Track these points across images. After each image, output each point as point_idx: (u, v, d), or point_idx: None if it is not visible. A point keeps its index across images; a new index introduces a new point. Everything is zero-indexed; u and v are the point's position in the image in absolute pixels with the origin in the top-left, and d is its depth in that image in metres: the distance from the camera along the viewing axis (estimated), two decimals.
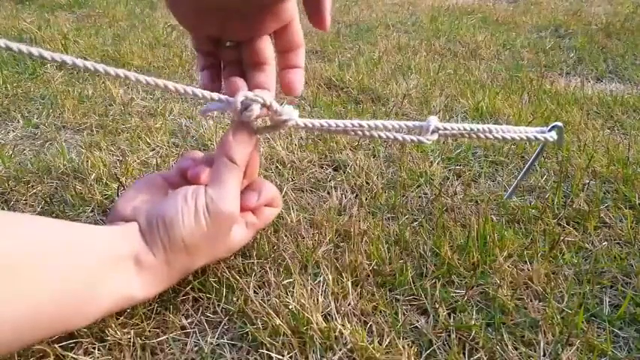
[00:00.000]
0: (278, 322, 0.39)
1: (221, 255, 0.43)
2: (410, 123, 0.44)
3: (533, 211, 0.56)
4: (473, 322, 0.41)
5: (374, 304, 0.42)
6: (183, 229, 0.37)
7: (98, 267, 0.35)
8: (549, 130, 0.49)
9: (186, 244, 0.38)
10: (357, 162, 0.66)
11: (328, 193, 0.59)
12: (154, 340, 0.38)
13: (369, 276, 0.45)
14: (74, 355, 0.36)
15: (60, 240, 0.35)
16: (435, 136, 0.44)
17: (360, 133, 0.44)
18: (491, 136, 0.47)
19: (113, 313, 0.38)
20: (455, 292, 0.44)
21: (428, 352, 0.38)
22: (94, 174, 0.61)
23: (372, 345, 0.37)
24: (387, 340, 0.38)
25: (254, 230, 0.45)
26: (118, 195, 0.56)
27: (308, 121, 0.42)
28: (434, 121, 0.44)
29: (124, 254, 0.36)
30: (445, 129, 0.45)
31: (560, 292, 0.44)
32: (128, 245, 0.37)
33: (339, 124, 0.43)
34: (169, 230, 0.37)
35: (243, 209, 0.43)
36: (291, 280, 0.44)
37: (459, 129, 0.45)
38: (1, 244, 0.31)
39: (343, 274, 0.45)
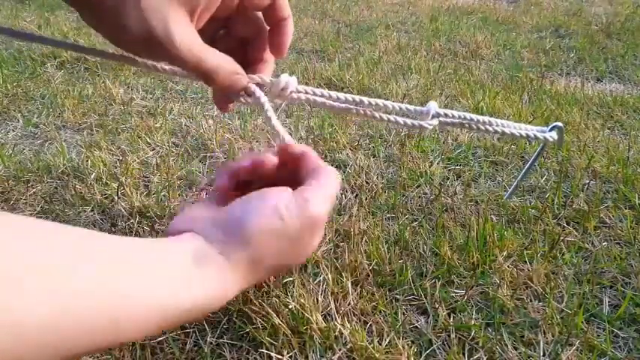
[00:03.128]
0: (278, 321, 0.39)
1: (297, 260, 0.38)
2: (411, 107, 0.44)
3: (533, 211, 0.56)
4: (472, 322, 0.41)
5: (374, 303, 0.42)
6: (258, 222, 0.33)
7: (141, 275, 0.30)
8: (549, 130, 0.49)
9: (259, 240, 0.33)
10: (357, 162, 0.66)
11: None
12: (154, 340, 0.38)
13: (368, 276, 0.45)
14: None
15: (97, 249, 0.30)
16: (436, 122, 0.44)
17: (361, 112, 0.43)
18: (491, 129, 0.47)
19: (182, 323, 0.35)
20: (455, 292, 0.44)
21: (428, 351, 0.38)
22: (93, 173, 0.61)
23: (371, 345, 0.37)
24: (387, 340, 0.38)
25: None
26: (117, 195, 0.56)
27: (309, 88, 0.42)
28: (434, 106, 0.44)
29: (177, 255, 0.32)
30: (446, 115, 0.44)
31: (560, 292, 0.44)
32: (183, 245, 0.33)
33: (340, 97, 0.42)
34: (240, 224, 0.33)
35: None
36: (290, 279, 0.44)
37: (459, 117, 0.45)
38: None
39: (343, 274, 0.45)
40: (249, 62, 0.41)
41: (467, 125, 0.46)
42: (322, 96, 0.42)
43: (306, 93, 0.42)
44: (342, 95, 0.42)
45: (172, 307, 0.31)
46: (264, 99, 0.40)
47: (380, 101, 0.43)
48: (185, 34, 0.34)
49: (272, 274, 0.39)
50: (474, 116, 0.46)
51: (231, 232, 0.33)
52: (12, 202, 0.55)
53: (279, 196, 0.34)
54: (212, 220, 0.34)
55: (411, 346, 0.38)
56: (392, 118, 0.44)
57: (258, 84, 0.40)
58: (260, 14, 0.40)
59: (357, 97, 0.42)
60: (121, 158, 0.66)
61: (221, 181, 0.39)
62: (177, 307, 0.31)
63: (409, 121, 0.44)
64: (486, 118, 0.46)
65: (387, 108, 0.43)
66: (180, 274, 0.31)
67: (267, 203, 0.34)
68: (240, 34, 0.41)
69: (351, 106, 0.43)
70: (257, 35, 0.41)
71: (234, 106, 0.43)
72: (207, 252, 0.32)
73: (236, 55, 0.38)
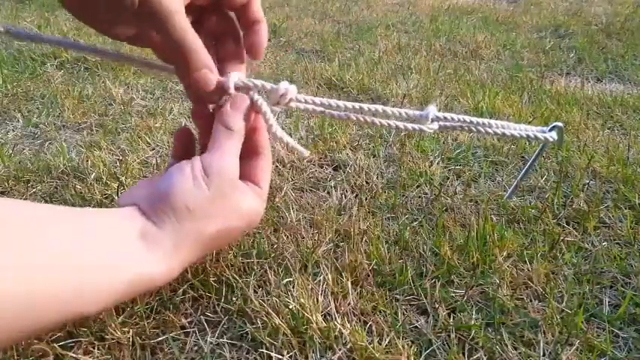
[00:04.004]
0: (278, 321, 0.39)
1: (233, 222, 0.40)
2: (410, 111, 0.44)
3: (533, 211, 0.56)
4: (472, 322, 0.41)
5: (373, 303, 0.42)
6: (184, 196, 0.36)
7: (99, 247, 0.34)
8: (549, 130, 0.49)
9: (191, 210, 0.36)
10: (357, 162, 0.66)
11: (328, 192, 0.59)
12: (154, 340, 0.38)
13: (368, 276, 0.45)
14: (74, 355, 0.36)
15: (58, 223, 0.33)
16: (436, 126, 0.44)
17: (361, 119, 0.43)
18: (491, 131, 0.47)
19: (136, 295, 0.37)
20: (455, 292, 0.44)
21: (427, 351, 0.38)
22: (93, 173, 0.61)
23: (371, 345, 0.37)
24: (387, 340, 0.38)
25: (263, 197, 0.43)
26: (117, 195, 0.56)
27: (309, 97, 0.42)
28: (433, 109, 0.44)
29: (125, 230, 0.35)
30: (445, 118, 0.45)
31: (560, 292, 0.44)
32: (128, 222, 0.35)
33: (340, 104, 0.42)
34: (171, 200, 0.36)
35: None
36: (290, 279, 0.44)
37: (459, 119, 0.45)
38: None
39: (343, 274, 0.45)
40: (218, 60, 0.42)
41: (466, 128, 0.46)
42: (322, 105, 0.42)
43: (306, 102, 0.42)
44: (341, 103, 0.43)
45: (128, 282, 0.34)
46: (265, 106, 0.41)
47: (379, 107, 0.43)
48: (178, 5, 0.36)
49: (223, 243, 0.41)
50: (474, 119, 0.46)
51: (161, 207, 0.36)
52: None
53: (191, 164, 0.38)
54: (147, 197, 0.37)
55: (410, 346, 0.38)
56: (392, 123, 0.44)
57: (250, 88, 0.40)
58: (233, 15, 0.42)
59: (357, 105, 0.43)
60: (120, 158, 0.66)
61: (173, 150, 0.44)
62: (134, 281, 0.34)
63: (409, 126, 0.44)
64: (486, 120, 0.46)
65: (387, 113, 0.43)
66: (133, 251, 0.35)
67: (183, 173, 0.37)
68: (213, 30, 0.42)
69: (351, 114, 0.43)
70: (229, 33, 0.42)
71: (209, 113, 0.43)
72: (150, 230, 0.35)
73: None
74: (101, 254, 0.33)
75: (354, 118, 0.43)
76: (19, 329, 0.30)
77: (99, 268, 0.33)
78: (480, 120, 0.46)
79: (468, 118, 0.46)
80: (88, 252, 0.33)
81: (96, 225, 0.35)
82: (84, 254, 0.33)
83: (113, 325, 0.38)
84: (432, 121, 0.44)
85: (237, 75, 0.40)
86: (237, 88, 0.40)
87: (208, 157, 0.38)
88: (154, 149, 0.68)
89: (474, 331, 0.40)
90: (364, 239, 0.50)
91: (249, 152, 0.43)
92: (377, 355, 0.37)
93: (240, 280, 0.43)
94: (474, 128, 0.46)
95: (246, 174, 0.42)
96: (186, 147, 0.44)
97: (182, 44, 0.37)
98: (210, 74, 0.39)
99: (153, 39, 0.38)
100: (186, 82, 0.39)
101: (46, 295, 0.30)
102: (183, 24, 0.37)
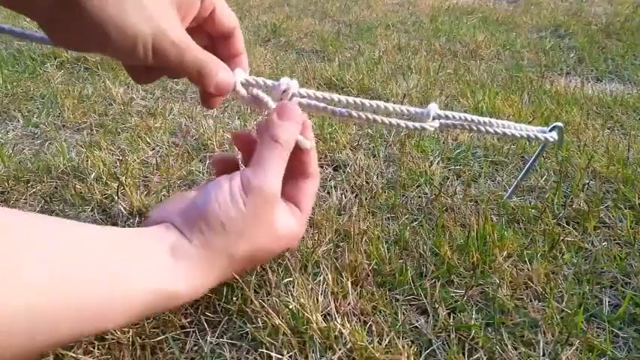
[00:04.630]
0: (278, 321, 0.39)
1: (266, 243, 0.39)
2: (412, 109, 0.44)
3: (533, 211, 0.56)
4: (472, 322, 0.41)
5: (373, 303, 0.42)
6: (220, 212, 0.35)
7: (125, 261, 0.33)
8: (549, 130, 0.49)
9: (226, 227, 0.35)
10: (357, 162, 0.66)
11: (328, 192, 0.59)
12: (154, 340, 0.38)
13: (368, 276, 0.45)
14: (74, 355, 0.36)
15: (74, 238, 0.32)
16: (437, 124, 0.44)
17: (363, 117, 0.43)
18: (491, 130, 0.47)
19: (158, 312, 0.36)
20: (454, 292, 0.44)
21: (427, 351, 0.38)
22: (93, 173, 0.61)
23: (371, 345, 0.37)
24: (387, 340, 0.38)
25: (303, 219, 0.42)
26: (117, 195, 0.56)
27: (311, 92, 0.42)
28: (434, 107, 0.44)
29: (153, 246, 0.34)
30: (446, 116, 0.45)
31: (560, 292, 0.44)
32: (158, 237, 0.35)
33: (342, 99, 0.42)
34: (206, 215, 0.35)
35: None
36: (290, 279, 0.44)
37: (460, 118, 0.45)
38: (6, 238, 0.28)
39: (343, 274, 0.45)
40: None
41: (467, 127, 0.46)
42: (324, 99, 0.42)
43: (308, 97, 0.42)
44: (343, 98, 0.42)
45: (152, 297, 0.33)
46: (271, 103, 0.41)
47: (381, 103, 0.43)
48: (183, 35, 0.35)
49: (254, 264, 0.40)
50: (475, 117, 0.46)
51: (195, 222, 0.35)
52: (12, 202, 0.55)
53: (230, 179, 0.37)
54: (182, 212, 0.36)
55: (410, 346, 0.38)
56: (393, 121, 0.44)
57: (253, 85, 0.40)
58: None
59: (359, 100, 0.42)
60: (120, 158, 0.66)
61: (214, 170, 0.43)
62: (157, 296, 0.33)
63: (410, 124, 0.44)
64: (487, 119, 0.47)
65: (388, 110, 0.43)
66: (159, 266, 0.34)
67: (221, 188, 0.36)
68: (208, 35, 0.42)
69: (352, 112, 0.43)
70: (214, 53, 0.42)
71: (220, 100, 0.43)
72: (182, 245, 0.34)
73: None
74: (125, 268, 0.32)
75: (356, 116, 0.43)
76: (37, 343, 0.29)
77: (121, 282, 0.32)
78: (481, 119, 0.46)
79: (469, 116, 0.46)
80: (112, 265, 0.32)
81: (123, 238, 0.34)
82: (107, 267, 0.32)
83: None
84: (433, 119, 0.44)
85: (241, 73, 0.40)
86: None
87: (249, 172, 0.37)
88: (153, 149, 0.68)
89: (473, 331, 0.40)
90: (364, 239, 0.50)
91: (296, 173, 0.42)
92: (377, 355, 0.37)
93: (240, 280, 0.43)
94: (474, 127, 0.46)
95: (289, 194, 0.41)
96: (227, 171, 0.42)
97: (196, 65, 0.36)
98: (227, 77, 0.39)
99: (168, 72, 0.38)
100: (208, 89, 0.38)
101: (65, 307, 0.29)
102: (193, 51, 0.36)
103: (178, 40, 0.34)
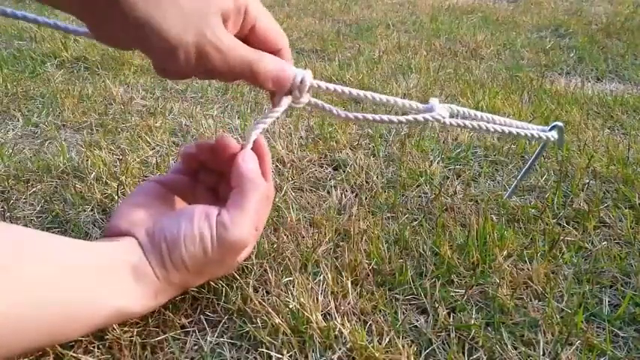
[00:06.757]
0: (278, 321, 0.39)
1: (224, 273, 0.42)
2: (421, 105, 0.45)
3: (533, 210, 0.56)
4: (472, 322, 0.41)
5: (373, 303, 0.42)
6: (186, 253, 0.36)
7: (94, 278, 0.35)
8: (550, 130, 0.50)
9: (188, 267, 0.37)
10: (357, 161, 0.66)
11: (328, 192, 0.59)
12: (154, 339, 0.38)
13: (368, 275, 0.45)
14: (74, 354, 0.36)
15: (56, 255, 0.34)
16: (446, 112, 0.45)
17: (369, 118, 0.44)
18: (492, 128, 0.47)
19: (107, 326, 0.37)
20: (454, 292, 0.44)
21: (427, 351, 0.38)
22: (93, 173, 0.61)
23: (371, 344, 0.37)
24: (387, 340, 0.38)
25: (255, 241, 0.44)
26: (117, 194, 0.56)
27: (322, 83, 0.42)
28: (436, 102, 0.45)
29: (118, 266, 0.36)
30: (451, 109, 0.45)
31: (560, 291, 0.44)
32: (122, 256, 0.36)
33: (352, 92, 0.43)
34: (171, 250, 0.36)
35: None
36: (290, 279, 0.44)
37: (463, 112, 0.46)
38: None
39: (343, 274, 0.45)
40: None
41: (469, 126, 0.46)
42: (335, 91, 0.43)
43: (327, 88, 0.42)
44: (354, 91, 0.43)
45: (112, 313, 0.36)
46: (306, 98, 0.41)
47: (391, 98, 0.44)
48: (227, 38, 0.35)
49: (199, 283, 0.42)
50: (478, 113, 0.47)
51: (159, 251, 0.37)
52: (12, 202, 0.55)
53: (205, 217, 0.37)
54: (148, 231, 0.37)
55: (410, 346, 0.38)
56: (402, 119, 0.45)
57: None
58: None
59: (369, 94, 0.44)
60: (120, 157, 0.66)
61: (176, 166, 0.45)
62: (115, 313, 0.36)
63: (420, 117, 0.44)
64: (489, 115, 0.47)
65: (397, 104, 0.44)
66: (121, 288, 0.36)
67: (192, 225, 0.36)
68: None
69: (359, 115, 0.44)
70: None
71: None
72: (145, 270, 0.36)
73: None
74: (88, 287, 0.34)
75: (362, 118, 0.44)
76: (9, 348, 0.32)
77: (84, 303, 0.34)
78: (485, 115, 0.47)
79: (472, 111, 0.46)
80: (77, 284, 0.34)
81: (89, 255, 0.36)
82: (72, 287, 0.34)
83: (113, 325, 0.38)
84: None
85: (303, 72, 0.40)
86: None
87: (227, 221, 0.37)
88: (154, 149, 0.68)
89: (473, 331, 0.40)
90: (364, 239, 0.50)
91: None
92: (377, 355, 0.37)
93: (240, 280, 0.43)
94: (476, 125, 0.46)
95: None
96: (192, 170, 0.44)
97: (244, 64, 0.36)
98: (283, 71, 0.38)
99: (217, 75, 0.38)
100: (267, 86, 0.38)
101: (35, 320, 0.32)
102: (239, 50, 0.35)
103: (222, 45, 0.34)
